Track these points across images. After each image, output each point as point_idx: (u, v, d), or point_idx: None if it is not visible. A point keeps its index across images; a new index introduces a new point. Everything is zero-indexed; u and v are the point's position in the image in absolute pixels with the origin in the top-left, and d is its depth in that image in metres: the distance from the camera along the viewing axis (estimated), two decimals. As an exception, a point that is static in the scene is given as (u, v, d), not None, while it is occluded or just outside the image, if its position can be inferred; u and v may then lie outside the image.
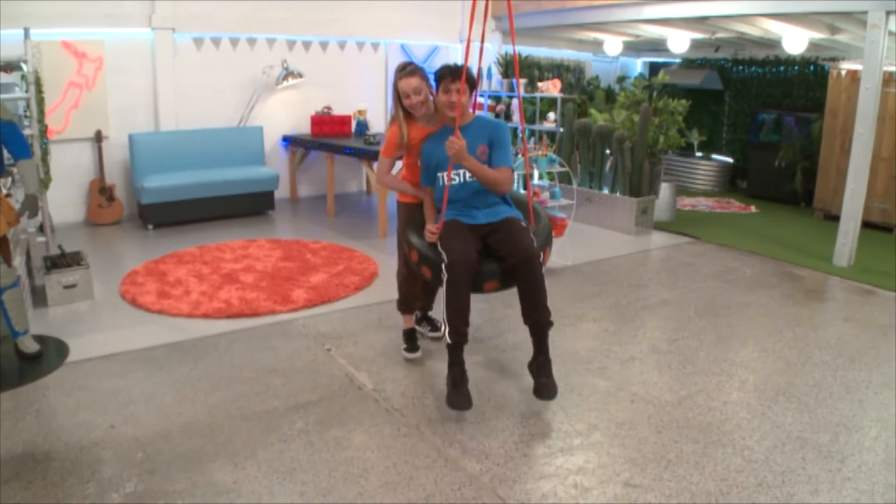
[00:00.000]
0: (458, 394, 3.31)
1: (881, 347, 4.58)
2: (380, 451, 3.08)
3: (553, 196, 6.22)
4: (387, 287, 5.40)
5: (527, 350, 3.67)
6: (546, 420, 3.44)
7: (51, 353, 4.01)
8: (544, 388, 3.40)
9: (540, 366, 3.45)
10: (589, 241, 7.13)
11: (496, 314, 4.90)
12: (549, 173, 6.79)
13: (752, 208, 9.36)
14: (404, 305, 4.24)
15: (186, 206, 7.30)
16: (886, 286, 5.95)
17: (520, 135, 4.55)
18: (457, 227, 3.55)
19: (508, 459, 3.04)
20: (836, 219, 8.25)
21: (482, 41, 4.16)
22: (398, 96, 3.71)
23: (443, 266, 3.34)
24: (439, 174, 3.66)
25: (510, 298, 4.90)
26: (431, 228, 3.57)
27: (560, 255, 6.30)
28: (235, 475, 2.87)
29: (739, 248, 7.15)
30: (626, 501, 2.76)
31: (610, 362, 4.18)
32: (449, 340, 3.36)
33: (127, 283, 5.29)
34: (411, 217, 4.01)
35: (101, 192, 7.22)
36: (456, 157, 3.39)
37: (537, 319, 3.44)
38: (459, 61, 10.16)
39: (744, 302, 5.39)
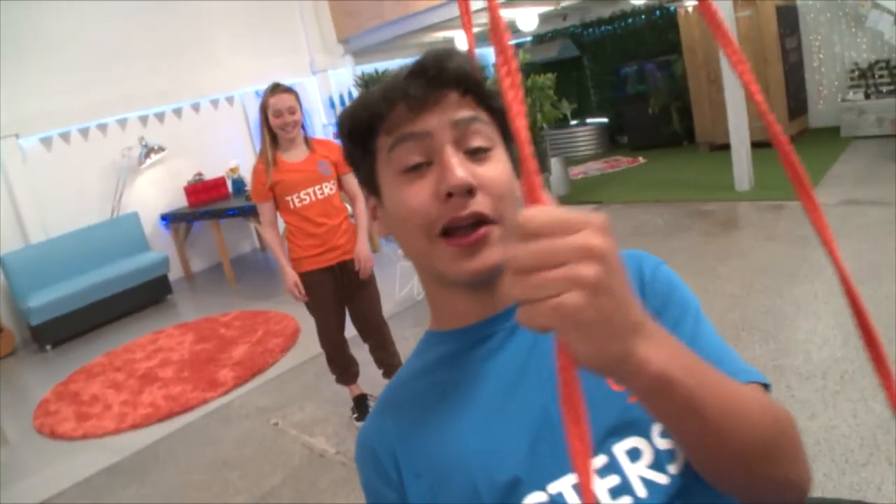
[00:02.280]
0: None
1: (811, 257, 4.65)
2: (366, 517, 2.86)
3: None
4: (313, 340, 5.08)
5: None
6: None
7: (-25, 519, 3.61)
8: None
9: None
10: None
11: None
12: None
13: (640, 160, 9.52)
14: (343, 378, 3.82)
15: (80, 315, 6.80)
16: (792, 197, 6.07)
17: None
18: None
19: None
20: (721, 148, 8.53)
21: None
22: (266, 119, 3.35)
23: None
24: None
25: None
26: None
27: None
28: None
29: (643, 200, 7.22)
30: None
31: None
32: None
33: (40, 416, 4.83)
34: (323, 286, 3.51)
35: (-18, 326, 6.68)
36: (603, 332, 0.54)
37: None
38: (318, 93, 8.93)
39: (668, 250, 5.38)
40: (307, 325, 5.44)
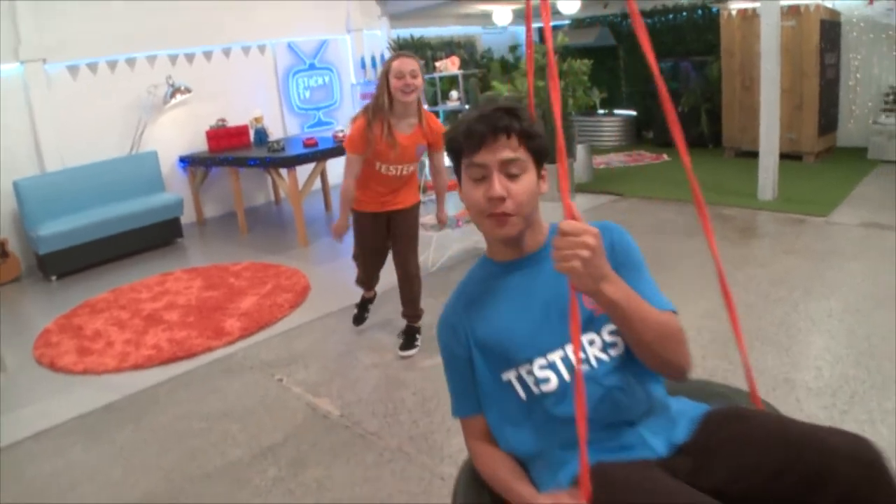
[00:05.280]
0: None
1: (827, 274, 4.60)
2: (368, 484, 2.80)
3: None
4: (323, 299, 5.11)
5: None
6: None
7: (-31, 441, 3.55)
8: None
9: None
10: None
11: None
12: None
13: (664, 157, 9.41)
14: (362, 283, 4.30)
15: (89, 248, 6.74)
16: (813, 212, 6.03)
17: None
18: (639, 474, 1.35)
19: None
20: (746, 154, 8.44)
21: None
22: (386, 83, 3.53)
23: None
24: (520, 370, 1.55)
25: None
26: (563, 502, 1.38)
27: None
28: (213, 545, 2.55)
29: (664, 198, 7.12)
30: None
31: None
32: None
33: (41, 346, 4.79)
34: (367, 229, 3.91)
35: (-9, 249, 6.61)
36: (588, 277, 1.29)
37: None
38: (350, 52, 9.36)
39: (687, 251, 5.31)
40: (318, 282, 5.42)
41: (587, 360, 1.47)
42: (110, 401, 3.83)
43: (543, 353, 1.49)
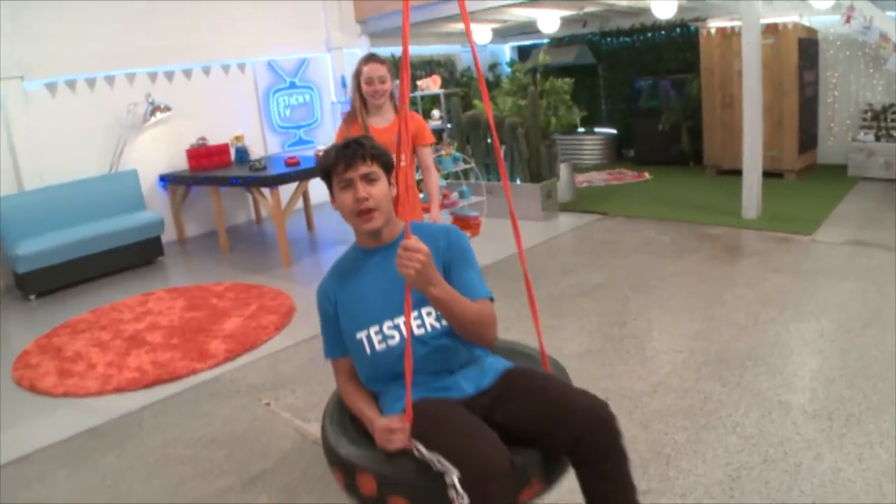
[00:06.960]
0: None
1: (818, 294, 4.60)
2: (361, 512, 2.75)
3: (462, 195, 5.99)
4: (308, 322, 5.04)
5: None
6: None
7: (-53, 469, 3.45)
8: None
9: None
10: (500, 235, 6.87)
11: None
12: (454, 173, 6.52)
13: (646, 175, 9.46)
14: None
15: (68, 267, 6.63)
16: (798, 231, 6.07)
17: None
18: (446, 408, 1.96)
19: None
20: (727, 173, 8.51)
21: None
22: (358, 86, 3.76)
23: (455, 483, 1.69)
24: (370, 330, 2.11)
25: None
26: (393, 424, 1.92)
27: (479, 254, 6.08)
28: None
29: (648, 216, 7.14)
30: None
31: (567, 359, 3.93)
32: None
33: (20, 367, 4.69)
34: None
35: (-33, 268, 6.48)
36: (419, 281, 1.86)
37: None
38: (331, 70, 9.19)
39: (674, 271, 5.32)
40: (303, 304, 5.36)
41: (423, 326, 2.08)
42: (93, 425, 3.74)
43: (392, 317, 2.09)
